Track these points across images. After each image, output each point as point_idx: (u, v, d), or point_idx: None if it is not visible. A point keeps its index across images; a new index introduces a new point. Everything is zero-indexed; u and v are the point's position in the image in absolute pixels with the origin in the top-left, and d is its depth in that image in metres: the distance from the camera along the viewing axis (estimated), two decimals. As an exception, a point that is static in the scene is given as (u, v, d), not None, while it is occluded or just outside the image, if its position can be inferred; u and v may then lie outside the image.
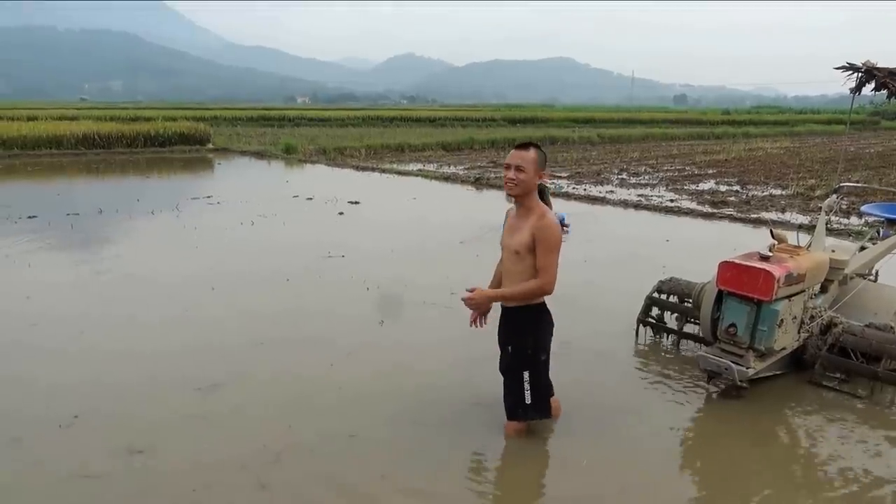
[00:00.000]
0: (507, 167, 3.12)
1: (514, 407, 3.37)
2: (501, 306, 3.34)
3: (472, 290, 3.16)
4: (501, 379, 3.41)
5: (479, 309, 3.27)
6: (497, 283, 3.47)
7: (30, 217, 9.39)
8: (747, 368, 3.80)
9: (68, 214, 9.55)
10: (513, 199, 3.22)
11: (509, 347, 3.33)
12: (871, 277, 5.11)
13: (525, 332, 3.26)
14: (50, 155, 18.95)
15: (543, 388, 3.36)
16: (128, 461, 3.19)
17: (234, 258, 7.28)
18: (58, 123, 22.38)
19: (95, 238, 8.28)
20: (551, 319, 3.33)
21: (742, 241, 7.43)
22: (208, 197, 11.54)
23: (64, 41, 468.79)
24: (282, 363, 4.43)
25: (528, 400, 3.30)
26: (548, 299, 3.25)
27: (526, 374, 3.28)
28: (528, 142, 3.17)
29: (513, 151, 3.14)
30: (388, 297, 5.92)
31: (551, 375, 3.54)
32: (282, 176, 16.01)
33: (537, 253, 3.08)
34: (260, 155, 20.43)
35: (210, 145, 22.48)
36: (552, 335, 3.35)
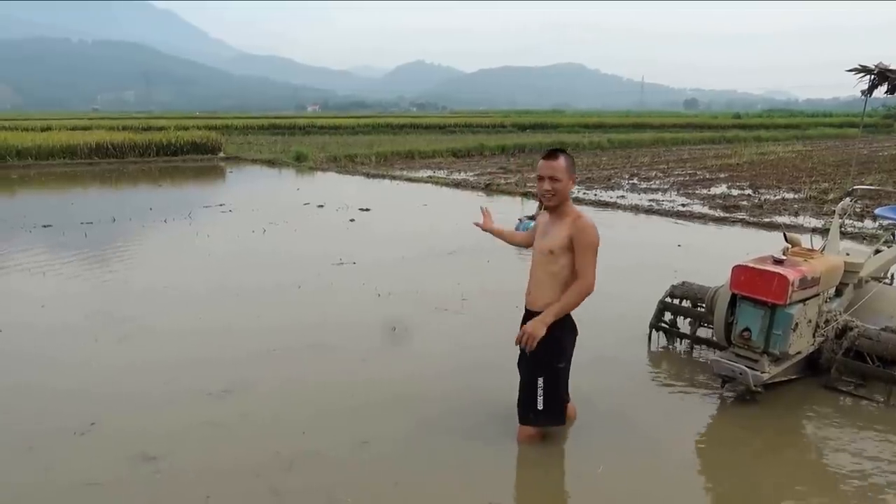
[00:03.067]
0: (541, 179, 3.07)
1: (525, 411, 3.32)
2: (525, 307, 3.31)
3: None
4: (516, 384, 3.37)
5: (536, 339, 3.05)
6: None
7: (44, 226, 9.49)
8: (762, 373, 3.77)
9: (82, 223, 9.65)
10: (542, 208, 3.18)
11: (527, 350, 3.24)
12: (887, 281, 5.07)
13: (544, 335, 3.10)
14: (63, 164, 19.18)
15: (559, 396, 3.29)
16: (141, 468, 3.21)
17: (246, 266, 7.32)
18: (71, 133, 22.65)
19: (109, 246, 8.35)
20: (574, 326, 3.25)
21: (755, 245, 7.39)
22: (220, 205, 11.62)
23: (77, 53, 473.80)
24: (294, 370, 4.44)
25: (539, 406, 3.24)
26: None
27: (540, 381, 3.22)
28: (556, 149, 3.12)
29: (542, 163, 3.08)
30: (400, 303, 5.92)
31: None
32: (293, 184, 16.08)
33: (576, 254, 3.04)
34: (271, 163, 20.57)
35: (221, 154, 22.67)
36: (574, 343, 3.28)
